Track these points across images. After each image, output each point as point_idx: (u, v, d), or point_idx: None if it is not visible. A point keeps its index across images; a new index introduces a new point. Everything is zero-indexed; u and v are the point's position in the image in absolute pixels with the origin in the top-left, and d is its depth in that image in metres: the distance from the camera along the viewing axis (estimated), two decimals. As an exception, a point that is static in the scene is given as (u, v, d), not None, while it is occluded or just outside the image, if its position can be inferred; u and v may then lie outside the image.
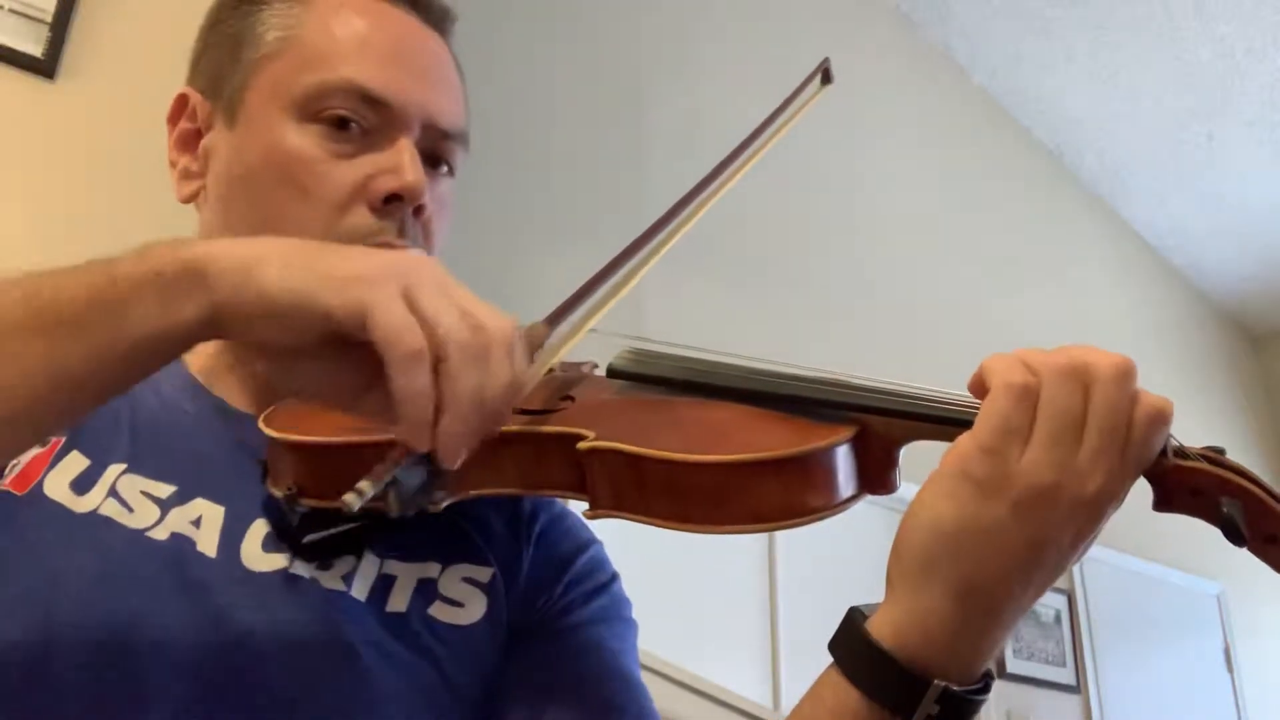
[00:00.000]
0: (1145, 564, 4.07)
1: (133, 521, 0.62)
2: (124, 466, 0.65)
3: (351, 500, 0.48)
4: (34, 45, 1.51)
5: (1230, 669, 4.34)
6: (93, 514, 0.62)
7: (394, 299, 0.49)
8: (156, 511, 0.64)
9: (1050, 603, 3.72)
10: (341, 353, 0.51)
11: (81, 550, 0.60)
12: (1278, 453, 5.07)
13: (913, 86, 4.04)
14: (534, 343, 0.59)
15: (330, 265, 0.50)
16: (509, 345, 0.51)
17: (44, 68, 1.52)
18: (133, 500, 0.64)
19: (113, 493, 0.63)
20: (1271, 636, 4.55)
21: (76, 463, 0.64)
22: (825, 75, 0.88)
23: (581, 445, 0.58)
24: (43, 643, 0.56)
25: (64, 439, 0.65)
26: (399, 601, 0.65)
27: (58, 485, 0.63)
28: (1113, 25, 3.87)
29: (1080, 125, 4.37)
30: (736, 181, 0.77)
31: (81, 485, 0.63)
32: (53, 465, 0.64)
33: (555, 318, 0.63)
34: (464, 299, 0.51)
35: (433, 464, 0.51)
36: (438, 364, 0.48)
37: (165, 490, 0.65)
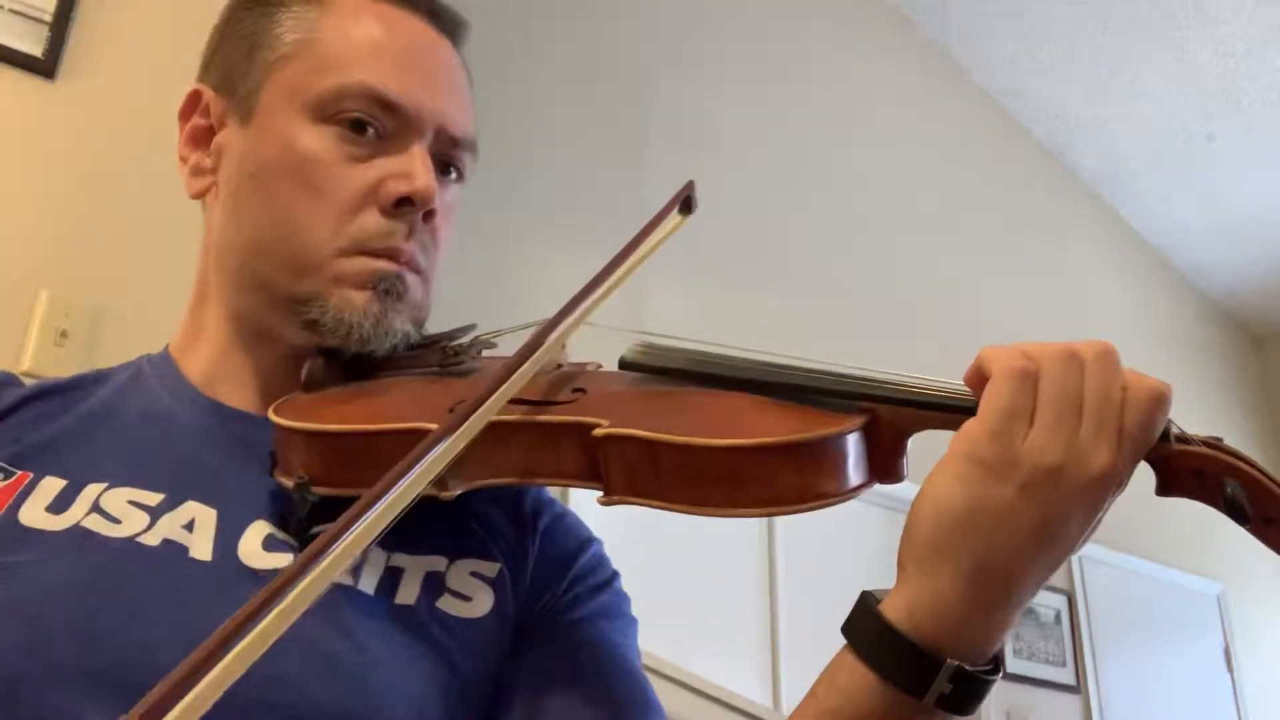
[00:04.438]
0: (1145, 564, 4.07)
1: (119, 531, 0.62)
2: (104, 485, 0.65)
3: None
4: (34, 45, 1.51)
5: (1230, 669, 4.34)
6: (74, 527, 0.62)
7: None
8: (146, 519, 0.63)
9: (1050, 603, 3.72)
10: None
11: (65, 563, 0.60)
12: (1277, 452, 5.07)
13: (913, 86, 4.04)
14: None
15: None
16: None
17: (44, 68, 1.52)
18: (119, 512, 0.63)
19: (95, 508, 0.63)
20: (1271, 636, 4.55)
21: (51, 486, 0.64)
22: (685, 204, 0.79)
23: (597, 432, 0.59)
24: (29, 654, 0.55)
25: (31, 472, 0.65)
26: (408, 594, 0.65)
27: (33, 513, 0.63)
28: (1113, 25, 3.87)
29: (1080, 125, 4.37)
30: (599, 307, 0.68)
31: (58, 506, 0.63)
32: (24, 497, 0.64)
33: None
34: None
35: None
36: None
37: (154, 499, 0.65)
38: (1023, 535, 0.53)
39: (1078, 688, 3.67)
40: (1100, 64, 4.05)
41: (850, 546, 2.86)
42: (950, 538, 0.54)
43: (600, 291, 0.67)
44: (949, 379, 0.60)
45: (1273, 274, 4.97)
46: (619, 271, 0.69)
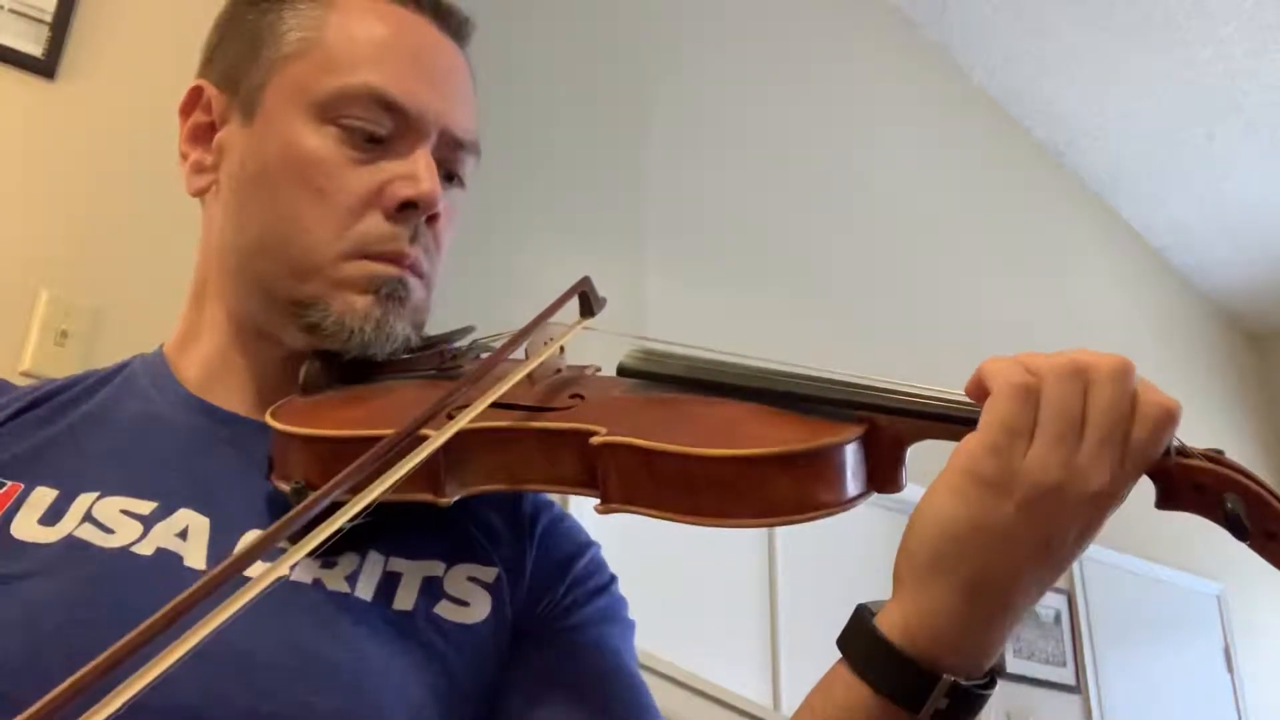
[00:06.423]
0: (1145, 564, 4.07)
1: (112, 541, 0.61)
2: (96, 494, 0.64)
3: None
4: (34, 45, 1.51)
5: (1230, 669, 4.34)
6: (67, 538, 0.61)
7: None
8: (139, 528, 0.63)
9: (1050, 603, 3.71)
10: None
11: (59, 575, 0.59)
12: (1278, 452, 5.07)
13: (913, 86, 4.04)
14: None
15: None
16: None
17: (44, 68, 1.52)
18: (111, 522, 0.63)
19: (88, 518, 0.63)
20: (1271, 636, 4.55)
21: (43, 497, 0.64)
22: (584, 301, 0.71)
23: (594, 440, 0.58)
24: (23, 670, 0.54)
25: (22, 482, 0.64)
26: (405, 600, 0.65)
27: (25, 525, 0.62)
28: (1113, 25, 3.87)
29: (1080, 125, 4.37)
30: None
31: (50, 518, 0.63)
32: (16, 508, 0.63)
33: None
34: None
35: None
36: None
37: (147, 507, 0.64)
38: (1020, 551, 0.53)
39: (1078, 688, 3.67)
40: (1100, 64, 4.04)
41: (850, 547, 2.85)
42: (948, 554, 0.53)
43: (492, 395, 0.61)
44: (948, 386, 0.59)
45: (1273, 274, 4.97)
46: (510, 373, 0.64)
